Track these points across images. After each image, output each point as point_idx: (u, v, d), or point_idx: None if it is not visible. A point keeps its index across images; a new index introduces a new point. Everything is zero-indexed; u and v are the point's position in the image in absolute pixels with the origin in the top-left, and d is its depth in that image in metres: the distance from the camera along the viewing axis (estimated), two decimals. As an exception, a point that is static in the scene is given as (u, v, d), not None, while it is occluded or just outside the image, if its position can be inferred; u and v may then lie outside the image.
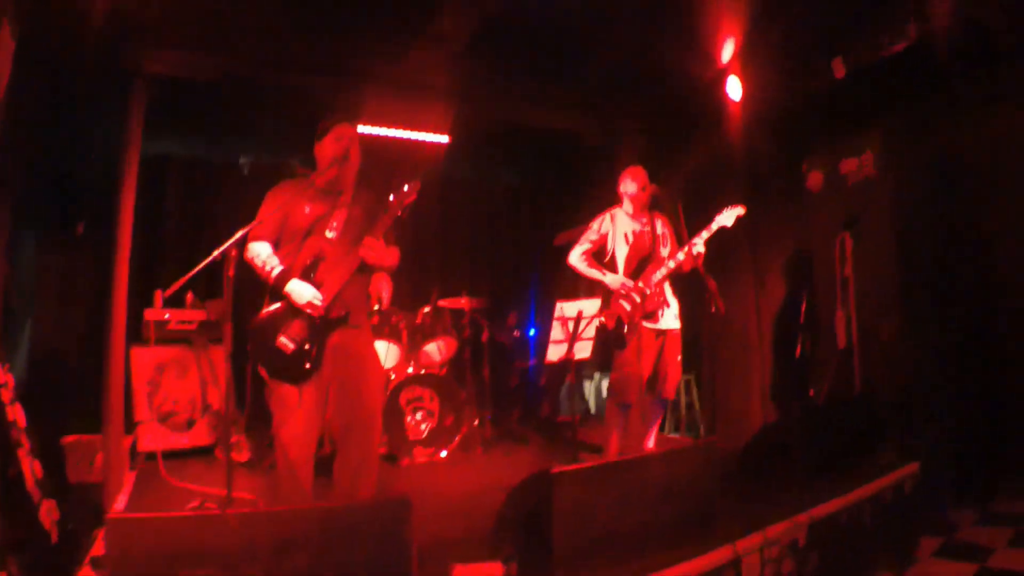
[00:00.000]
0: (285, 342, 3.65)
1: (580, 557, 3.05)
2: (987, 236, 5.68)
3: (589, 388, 8.90)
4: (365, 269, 3.92)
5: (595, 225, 5.42)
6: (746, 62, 6.24)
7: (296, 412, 3.70)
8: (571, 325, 4.84)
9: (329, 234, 3.82)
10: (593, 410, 8.82)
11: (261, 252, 3.76)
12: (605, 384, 7.84)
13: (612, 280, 5.22)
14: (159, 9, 5.07)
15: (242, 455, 5.88)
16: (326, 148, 3.93)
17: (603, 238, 5.38)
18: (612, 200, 5.52)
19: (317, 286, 3.70)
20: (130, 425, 5.81)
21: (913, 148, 5.88)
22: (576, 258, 5.37)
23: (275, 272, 3.70)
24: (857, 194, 6.11)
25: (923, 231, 5.86)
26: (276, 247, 3.82)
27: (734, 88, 6.27)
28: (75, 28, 4.75)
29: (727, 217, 4.98)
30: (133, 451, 5.86)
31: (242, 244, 3.53)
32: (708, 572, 3.26)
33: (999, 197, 5.59)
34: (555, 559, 3.00)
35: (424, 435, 6.34)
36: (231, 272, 3.30)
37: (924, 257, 5.83)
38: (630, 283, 5.17)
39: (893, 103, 5.93)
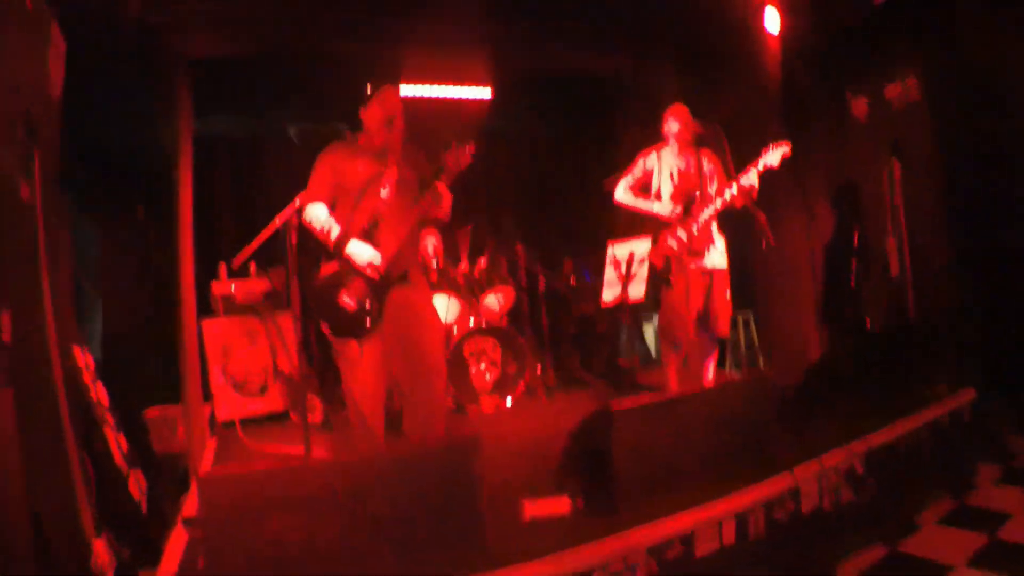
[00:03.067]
0: (347, 300, 3.77)
1: (641, 489, 3.17)
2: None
3: (648, 331, 8.95)
4: (420, 226, 4.06)
5: (640, 161, 5.44)
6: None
7: (361, 367, 3.84)
8: (623, 266, 4.91)
9: (383, 193, 3.90)
10: (653, 353, 8.87)
11: (320, 215, 3.83)
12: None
13: (661, 208, 5.24)
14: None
15: (315, 416, 6.07)
16: (372, 113, 4.00)
17: (647, 175, 5.39)
18: (656, 140, 5.51)
19: (376, 246, 3.80)
20: (207, 395, 6.05)
21: (956, 73, 5.77)
22: (622, 193, 5.42)
23: (334, 235, 3.79)
24: (903, 118, 6.02)
25: (969, 156, 5.77)
26: (331, 209, 3.90)
27: (772, 20, 6.22)
28: (116, 20, 4.90)
29: (772, 156, 4.91)
30: (212, 420, 6.10)
31: (300, 210, 3.68)
32: (767, 500, 3.35)
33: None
34: (617, 491, 3.12)
35: (489, 385, 6.47)
36: (294, 238, 3.44)
37: (971, 182, 5.74)
38: (679, 208, 5.21)
39: (934, 28, 5.82)
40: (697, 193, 5.26)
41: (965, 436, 4.66)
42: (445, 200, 3.96)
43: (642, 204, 5.34)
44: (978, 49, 5.70)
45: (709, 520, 3.09)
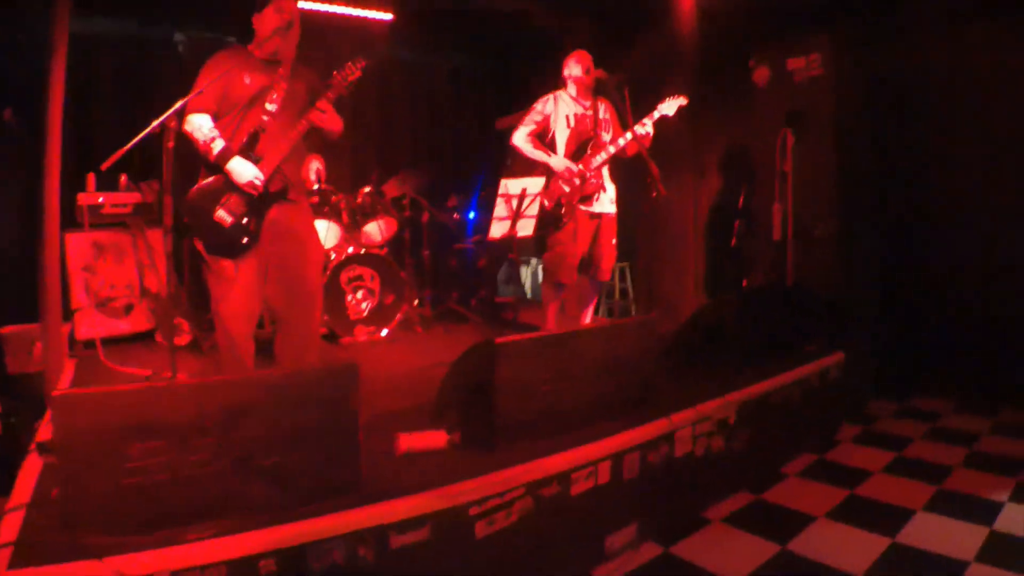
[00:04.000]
0: (223, 215, 3.62)
1: (520, 425, 3.13)
2: (922, 150, 5.91)
3: (525, 273, 9.00)
4: (306, 142, 3.91)
5: (538, 106, 5.42)
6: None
7: (235, 287, 3.70)
8: (514, 202, 4.87)
9: (270, 107, 3.73)
10: (529, 294, 8.94)
11: (203, 125, 3.65)
12: (541, 269, 7.95)
13: (557, 163, 5.24)
14: None
15: (183, 338, 5.86)
16: (266, 19, 3.79)
17: (546, 119, 5.39)
18: (556, 85, 5.50)
19: (257, 159, 3.65)
20: (68, 313, 5.74)
21: (860, 55, 5.92)
22: (521, 139, 5.38)
23: (216, 147, 3.62)
24: (802, 92, 6.12)
25: (863, 136, 6.01)
26: (215, 119, 3.72)
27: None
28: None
29: (669, 106, 5.05)
30: (72, 339, 5.82)
31: (181, 116, 3.45)
32: (643, 443, 3.38)
33: (939, 115, 5.81)
34: (496, 427, 3.07)
35: (364, 314, 6.38)
36: (171, 144, 3.24)
37: (862, 161, 5.99)
38: (575, 167, 5.20)
39: (845, 8, 5.94)
40: (591, 138, 5.26)
41: (831, 396, 4.84)
42: (330, 117, 3.82)
43: (538, 155, 5.33)
44: (879, 32, 5.86)
45: (586, 460, 3.09)
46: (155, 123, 3.22)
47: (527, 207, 5.01)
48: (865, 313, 5.82)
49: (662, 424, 3.49)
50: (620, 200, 5.50)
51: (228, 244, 3.66)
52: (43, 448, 3.22)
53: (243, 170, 3.62)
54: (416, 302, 6.92)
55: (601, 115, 5.37)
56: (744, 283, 6.70)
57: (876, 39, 5.92)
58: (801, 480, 4.13)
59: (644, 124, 5.01)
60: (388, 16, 7.35)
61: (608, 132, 5.35)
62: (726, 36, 6.62)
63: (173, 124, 3.26)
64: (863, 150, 5.99)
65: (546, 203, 5.21)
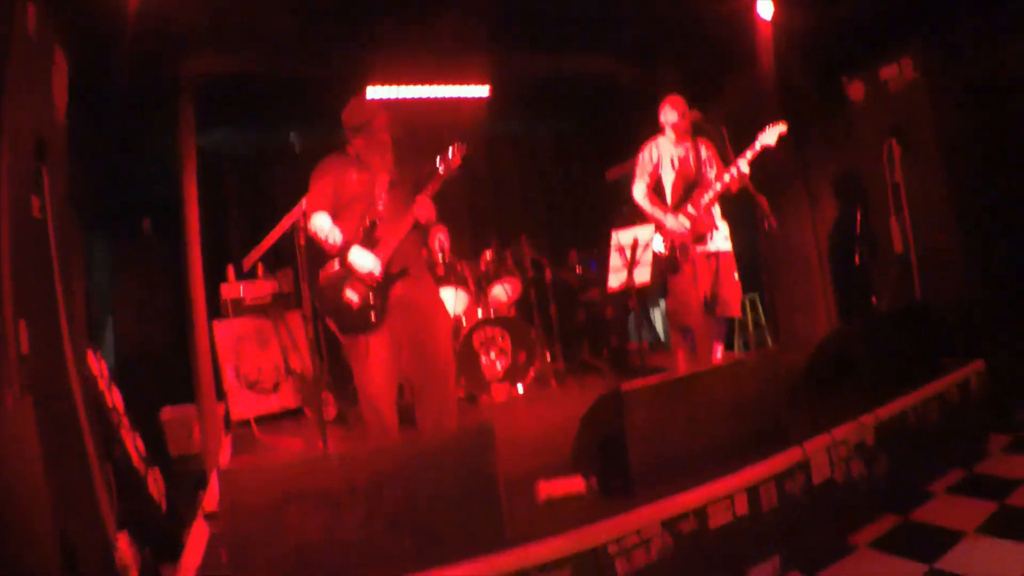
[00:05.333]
0: (350, 296, 3.87)
1: (655, 469, 3.20)
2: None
3: (656, 315, 8.99)
4: (419, 226, 4.13)
5: (644, 157, 5.50)
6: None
7: (371, 362, 3.92)
8: (628, 252, 4.96)
9: (378, 202, 4.03)
10: (662, 337, 8.93)
11: (324, 224, 3.94)
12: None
13: (671, 223, 5.29)
14: (195, 17, 5.25)
15: (329, 411, 6.14)
16: (360, 140, 4.13)
17: (656, 168, 5.47)
18: (655, 131, 5.57)
19: (375, 247, 3.92)
20: (220, 394, 6.12)
21: (955, 57, 5.81)
22: (640, 196, 5.47)
23: (338, 243, 3.91)
24: (900, 100, 6.05)
25: (967, 137, 5.84)
26: (333, 215, 4.00)
27: (765, 8, 6.27)
28: (121, 43, 4.98)
29: (769, 135, 5.01)
30: (226, 419, 6.19)
31: (305, 215, 3.76)
32: (779, 472, 3.38)
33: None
34: (632, 474, 3.15)
35: (499, 373, 6.55)
36: (302, 240, 3.53)
37: (969, 161, 5.82)
38: (687, 226, 5.25)
39: (930, 16, 5.87)
40: (696, 179, 5.31)
41: (974, 407, 4.68)
42: (427, 210, 4.04)
43: (657, 213, 5.39)
44: (972, 29, 5.75)
45: (721, 493, 3.13)
46: (284, 221, 3.51)
47: (641, 255, 5.09)
48: (1003, 316, 5.61)
49: (796, 452, 3.50)
50: (740, 234, 5.52)
51: (357, 323, 3.91)
52: (210, 516, 3.49)
53: (362, 262, 3.89)
54: (548, 357, 7.05)
55: (703, 155, 5.41)
56: (874, 301, 6.57)
57: (971, 40, 5.78)
58: (949, 496, 3.99)
59: (746, 156, 5.03)
60: (484, 91, 7.62)
61: (712, 170, 5.39)
62: (813, 56, 6.60)
63: (301, 223, 3.56)
64: (971, 152, 5.82)
65: (660, 249, 5.28)
